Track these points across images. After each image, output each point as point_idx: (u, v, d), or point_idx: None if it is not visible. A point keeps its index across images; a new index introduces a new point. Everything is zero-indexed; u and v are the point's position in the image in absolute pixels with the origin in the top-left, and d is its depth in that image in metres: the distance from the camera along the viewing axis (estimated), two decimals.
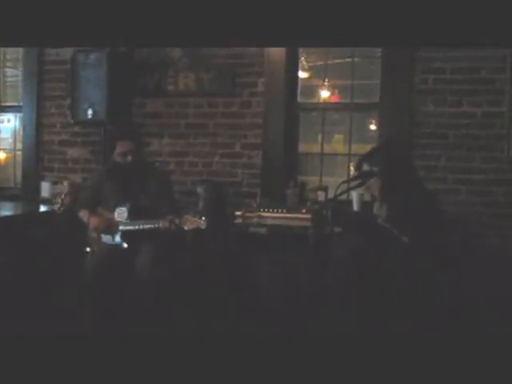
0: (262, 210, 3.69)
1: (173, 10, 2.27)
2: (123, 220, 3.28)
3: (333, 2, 2.24)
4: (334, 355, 2.52)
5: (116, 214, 3.31)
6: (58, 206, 3.33)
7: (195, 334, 2.90)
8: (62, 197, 3.38)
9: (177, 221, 3.08)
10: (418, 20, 2.21)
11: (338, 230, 3.33)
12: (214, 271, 3.63)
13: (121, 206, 3.31)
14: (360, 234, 3.24)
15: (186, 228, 3.06)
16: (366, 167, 3.05)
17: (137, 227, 3.23)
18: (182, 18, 2.28)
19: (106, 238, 3.35)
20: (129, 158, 3.32)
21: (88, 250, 3.40)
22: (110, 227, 3.32)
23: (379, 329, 2.70)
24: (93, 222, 3.37)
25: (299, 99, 4.41)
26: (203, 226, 3.01)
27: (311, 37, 2.38)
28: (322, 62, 4.41)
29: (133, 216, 3.27)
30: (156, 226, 3.16)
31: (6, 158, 5.33)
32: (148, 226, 3.20)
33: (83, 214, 3.44)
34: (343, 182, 3.09)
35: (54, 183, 4.65)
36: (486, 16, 2.17)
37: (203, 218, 3.01)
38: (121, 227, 3.28)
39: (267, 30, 2.32)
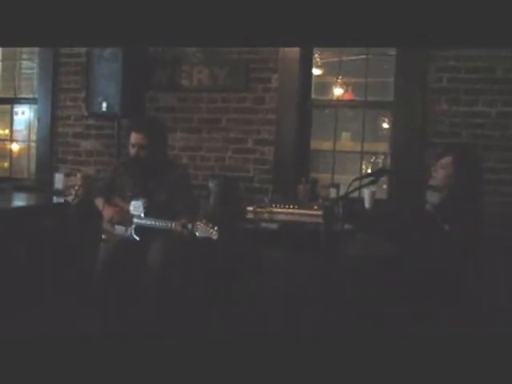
0: (273, 205, 3.70)
1: (182, 10, 2.28)
2: (138, 214, 3.29)
3: (344, 2, 2.24)
4: (343, 353, 2.53)
5: (131, 207, 3.32)
6: (72, 197, 3.34)
7: (203, 331, 2.92)
8: (76, 188, 3.39)
9: (189, 225, 3.08)
10: (430, 20, 2.21)
11: (348, 227, 3.34)
12: (223, 272, 3.64)
13: (136, 199, 3.32)
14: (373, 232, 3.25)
15: (197, 234, 3.05)
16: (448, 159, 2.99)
17: (150, 223, 3.24)
18: (192, 17, 2.29)
19: (119, 229, 3.36)
20: (135, 150, 3.31)
21: (103, 237, 3.41)
22: (125, 219, 3.33)
23: (384, 328, 2.70)
24: (107, 212, 3.37)
25: (313, 96, 4.41)
26: (215, 237, 2.97)
27: (323, 37, 2.38)
28: (336, 59, 4.40)
29: (148, 211, 3.27)
30: (169, 226, 3.16)
31: (21, 149, 5.38)
32: (161, 224, 3.20)
33: (99, 202, 3.45)
34: (355, 180, 3.08)
35: (68, 175, 4.68)
36: (499, 15, 2.17)
37: (216, 228, 2.99)
38: (135, 220, 3.29)
39: (279, 30, 2.33)
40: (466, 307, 2.72)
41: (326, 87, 4.49)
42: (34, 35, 2.39)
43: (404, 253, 2.90)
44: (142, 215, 3.28)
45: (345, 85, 4.44)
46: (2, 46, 5.05)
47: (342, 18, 2.24)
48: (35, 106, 5.08)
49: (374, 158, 4.43)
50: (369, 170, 4.35)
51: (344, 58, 4.38)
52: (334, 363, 2.51)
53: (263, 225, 3.65)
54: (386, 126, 4.38)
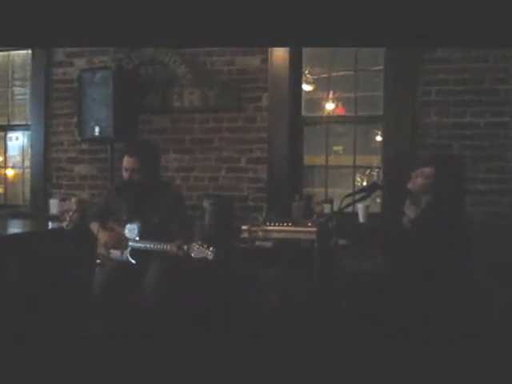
0: (267, 223, 3.71)
1: (174, 10, 2.30)
2: (133, 237, 3.31)
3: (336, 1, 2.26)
4: (337, 367, 2.52)
5: (126, 231, 3.33)
6: (67, 223, 3.35)
7: (200, 348, 2.90)
8: (71, 214, 3.40)
9: (185, 247, 3.09)
10: (424, 19, 2.23)
11: (342, 242, 3.35)
12: (219, 292, 3.64)
13: (131, 222, 3.33)
14: (368, 246, 3.25)
15: (193, 255, 3.06)
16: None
17: (146, 246, 3.25)
18: (182, 18, 2.31)
19: (114, 254, 3.37)
20: (128, 174, 3.33)
21: (97, 262, 3.42)
22: (120, 243, 3.33)
23: (380, 340, 2.69)
24: (102, 237, 3.38)
25: (303, 113, 4.45)
26: (210, 257, 2.99)
27: (314, 36, 2.40)
28: (325, 75, 4.44)
29: (143, 234, 3.28)
30: (164, 248, 3.17)
31: (15, 175, 5.39)
32: (157, 247, 3.21)
33: (93, 227, 3.46)
34: (348, 196, 3.10)
35: (62, 200, 4.69)
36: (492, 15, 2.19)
37: (211, 249, 3.01)
38: (130, 243, 3.30)
39: (269, 30, 2.35)
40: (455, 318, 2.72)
41: (316, 103, 4.52)
42: (30, 36, 2.41)
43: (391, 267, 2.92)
44: (137, 238, 3.29)
45: (335, 100, 4.47)
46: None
47: (335, 18, 2.26)
48: (28, 133, 5.11)
49: (368, 171, 4.45)
50: (364, 183, 4.37)
51: (333, 74, 4.42)
52: (330, 377, 2.51)
53: (258, 243, 3.66)
54: (377, 139, 4.41)
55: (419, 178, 3.00)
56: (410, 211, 3.02)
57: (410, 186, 3.05)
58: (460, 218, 2.90)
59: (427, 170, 2.98)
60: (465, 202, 3.04)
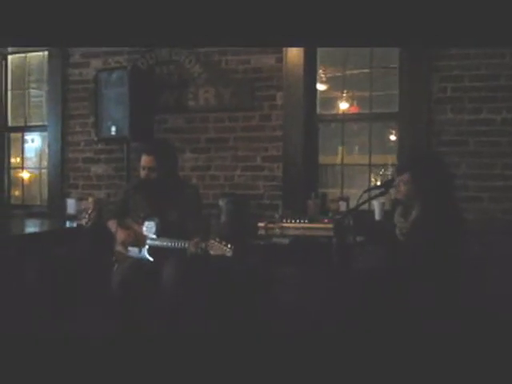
0: (284, 221, 3.72)
1: (190, 10, 2.33)
2: (151, 235, 3.33)
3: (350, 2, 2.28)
4: (351, 365, 2.53)
5: (144, 228, 3.36)
6: (86, 220, 3.39)
7: (214, 345, 2.93)
8: (89, 212, 3.44)
9: (203, 245, 3.11)
10: (433, 19, 2.24)
11: (360, 239, 3.35)
12: (236, 287, 3.65)
13: (149, 220, 3.36)
14: (382, 245, 3.24)
15: (211, 253, 3.08)
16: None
17: (164, 244, 3.27)
18: (195, 17, 2.34)
19: (132, 251, 3.39)
20: (145, 172, 3.36)
21: (114, 259, 3.45)
22: (138, 240, 3.36)
23: (395, 338, 2.69)
24: (120, 235, 3.41)
25: (318, 111, 4.45)
26: (229, 254, 3.00)
27: (328, 36, 2.41)
28: (340, 74, 4.45)
29: (161, 231, 3.31)
30: (183, 245, 3.19)
31: (32, 176, 5.44)
32: (175, 244, 3.23)
33: (111, 225, 3.49)
34: (365, 191, 3.10)
35: (79, 200, 4.73)
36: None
37: (229, 246, 3.02)
38: (148, 241, 3.33)
39: (285, 30, 2.37)
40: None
41: (331, 102, 4.52)
42: (42, 35, 2.45)
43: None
44: (155, 236, 3.31)
45: (350, 98, 4.47)
46: (14, 46, 5.13)
47: (346, 18, 2.27)
48: (45, 134, 5.16)
49: (382, 170, 4.44)
50: (378, 183, 4.36)
51: (347, 72, 4.42)
52: (343, 375, 2.52)
53: (274, 240, 3.67)
54: (392, 137, 4.40)
55: (401, 185, 2.97)
56: (400, 224, 3.00)
57: (396, 195, 3.03)
58: (452, 223, 2.81)
59: (404, 178, 2.96)
60: (454, 197, 2.97)
